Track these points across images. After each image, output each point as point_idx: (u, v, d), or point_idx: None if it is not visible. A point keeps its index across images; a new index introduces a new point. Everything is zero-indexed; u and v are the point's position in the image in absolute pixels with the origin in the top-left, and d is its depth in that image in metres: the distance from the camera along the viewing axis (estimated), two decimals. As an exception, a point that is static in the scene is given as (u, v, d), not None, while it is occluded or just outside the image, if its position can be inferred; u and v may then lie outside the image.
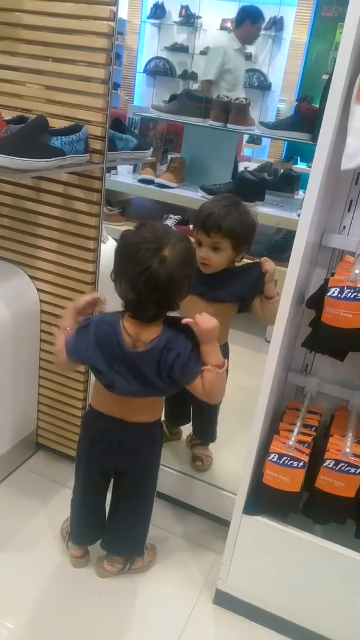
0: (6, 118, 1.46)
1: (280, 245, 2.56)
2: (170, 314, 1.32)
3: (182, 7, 3.82)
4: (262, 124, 2.62)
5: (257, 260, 1.62)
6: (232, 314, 1.69)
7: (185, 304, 1.67)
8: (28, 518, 1.76)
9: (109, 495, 1.56)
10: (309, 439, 1.39)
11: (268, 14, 3.59)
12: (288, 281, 1.21)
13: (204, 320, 1.25)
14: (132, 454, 1.44)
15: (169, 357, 1.26)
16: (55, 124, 1.50)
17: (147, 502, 1.54)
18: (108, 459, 1.45)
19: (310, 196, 1.14)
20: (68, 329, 1.35)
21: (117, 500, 1.54)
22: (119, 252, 1.25)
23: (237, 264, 1.66)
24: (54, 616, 1.48)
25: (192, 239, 1.60)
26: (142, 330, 1.29)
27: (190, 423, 1.97)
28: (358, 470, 1.31)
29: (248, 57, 3.63)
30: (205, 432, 1.96)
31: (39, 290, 1.79)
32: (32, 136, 1.36)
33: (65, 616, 1.49)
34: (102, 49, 1.47)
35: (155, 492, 1.55)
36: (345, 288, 1.22)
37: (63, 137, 1.41)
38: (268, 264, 1.60)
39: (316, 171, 1.12)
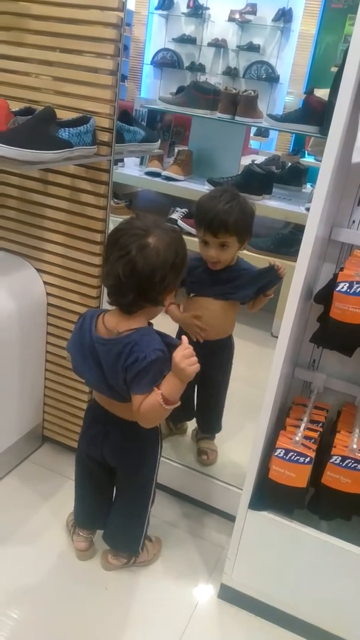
0: (13, 109, 1.44)
1: (287, 239, 2.54)
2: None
3: (190, -3, 3.78)
4: (270, 116, 2.59)
5: (272, 265, 1.63)
6: (237, 308, 1.72)
7: (193, 300, 1.68)
8: (33, 510, 1.76)
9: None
10: (315, 434, 1.39)
11: (277, 5, 3.56)
12: (296, 276, 1.20)
13: (183, 361, 1.18)
14: (116, 447, 1.42)
15: (129, 358, 1.22)
16: (63, 115, 1.49)
17: (140, 502, 1.51)
18: (94, 449, 1.45)
19: (320, 190, 1.12)
20: None
21: (115, 495, 1.56)
22: (107, 240, 1.25)
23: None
24: (59, 608, 1.49)
25: (198, 237, 1.60)
26: (121, 323, 1.27)
27: (195, 417, 1.97)
28: (365, 467, 1.30)
29: (256, 48, 3.60)
30: (212, 425, 1.96)
31: (45, 283, 1.79)
32: (39, 128, 1.35)
33: (70, 609, 1.49)
34: (110, 40, 1.45)
35: (151, 495, 1.51)
36: (354, 283, 1.21)
37: (71, 129, 1.40)
38: (283, 270, 1.62)
39: (326, 165, 1.11)
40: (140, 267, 1.18)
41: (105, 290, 1.69)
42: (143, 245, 1.18)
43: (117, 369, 1.25)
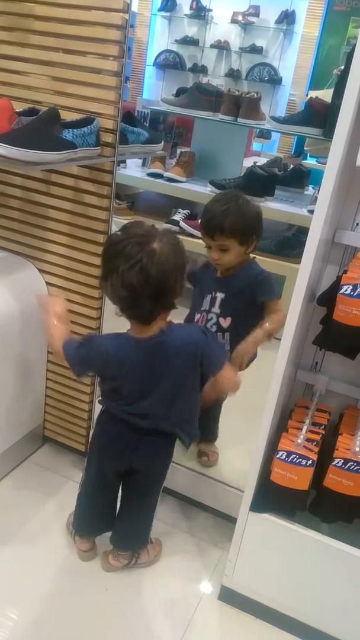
0: (17, 110, 1.44)
1: (290, 241, 2.54)
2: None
3: (193, -1, 3.78)
4: (272, 118, 2.59)
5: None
6: None
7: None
8: (34, 511, 1.76)
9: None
10: (317, 437, 1.38)
11: (280, 7, 3.56)
12: (300, 278, 1.20)
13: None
14: (147, 456, 1.44)
15: (200, 343, 1.30)
16: (67, 116, 1.49)
17: (154, 498, 1.54)
18: (122, 460, 1.45)
19: (324, 192, 1.12)
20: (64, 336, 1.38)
21: (127, 497, 1.55)
22: (106, 253, 1.23)
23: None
24: (59, 609, 1.49)
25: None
26: (145, 332, 1.28)
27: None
28: (367, 470, 1.30)
29: (259, 50, 3.60)
30: (208, 430, 1.95)
31: (48, 283, 1.79)
32: (43, 128, 1.35)
33: (70, 609, 1.49)
34: (114, 41, 1.46)
35: (162, 489, 1.55)
36: (358, 286, 1.21)
37: (75, 130, 1.40)
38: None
39: (331, 167, 1.11)
40: (154, 274, 1.17)
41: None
42: (151, 252, 1.17)
43: (190, 355, 1.30)
